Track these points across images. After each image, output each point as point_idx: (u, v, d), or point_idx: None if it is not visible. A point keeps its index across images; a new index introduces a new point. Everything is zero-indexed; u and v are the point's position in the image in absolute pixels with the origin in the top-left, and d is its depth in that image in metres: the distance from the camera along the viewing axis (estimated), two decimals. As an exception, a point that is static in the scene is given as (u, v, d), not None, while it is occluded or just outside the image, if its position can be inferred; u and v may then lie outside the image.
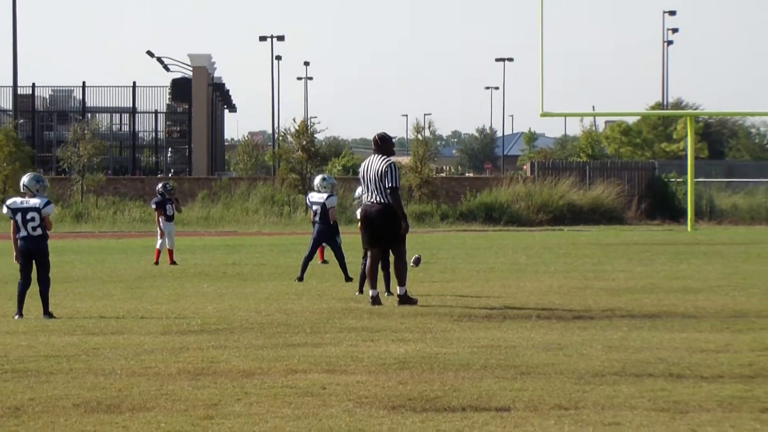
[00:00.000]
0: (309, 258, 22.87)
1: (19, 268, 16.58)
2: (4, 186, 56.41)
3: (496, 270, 22.55)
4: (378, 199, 17.67)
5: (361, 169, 18.18)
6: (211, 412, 9.41)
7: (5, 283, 21.52)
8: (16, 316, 16.29)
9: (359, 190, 19.92)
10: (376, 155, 17.93)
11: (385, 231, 17.74)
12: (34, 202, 16.44)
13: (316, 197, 22.78)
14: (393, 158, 18.09)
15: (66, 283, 21.41)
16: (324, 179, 23.55)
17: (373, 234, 17.84)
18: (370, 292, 17.76)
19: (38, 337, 14.08)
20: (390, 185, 17.59)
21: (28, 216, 16.39)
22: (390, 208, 17.67)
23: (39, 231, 16.42)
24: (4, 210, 16.67)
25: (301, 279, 22.32)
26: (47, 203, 16.54)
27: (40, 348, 13.13)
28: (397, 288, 17.79)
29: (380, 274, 18.51)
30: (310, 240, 23.16)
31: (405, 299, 17.62)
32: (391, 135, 18.63)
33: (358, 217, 19.46)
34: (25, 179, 16.84)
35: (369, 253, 17.97)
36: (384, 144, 18.14)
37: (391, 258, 18.25)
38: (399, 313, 16.52)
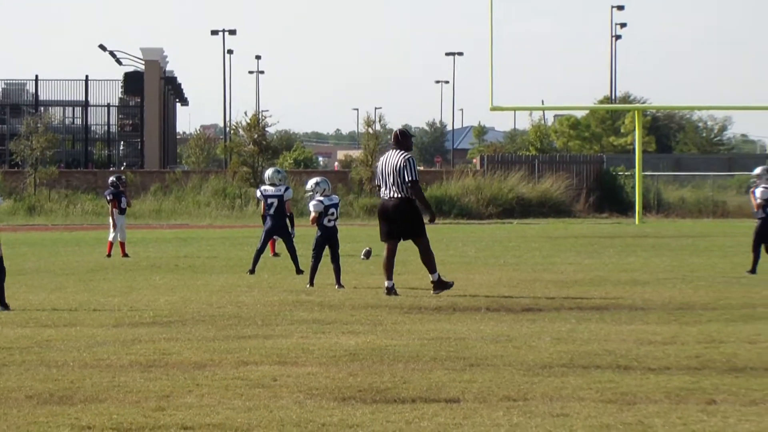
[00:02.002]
0: (261, 251, 22.86)
1: None
2: (-44, 178, 56.12)
3: (446, 263, 22.59)
4: (395, 194, 17.81)
5: (379, 164, 18.27)
6: (162, 403, 9.41)
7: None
8: (-31, 309, 16.22)
9: (310, 183, 19.99)
10: (395, 150, 18.05)
11: (403, 225, 17.93)
12: None
13: (271, 190, 22.77)
14: (410, 153, 18.21)
15: (19, 276, 21.29)
16: (278, 172, 23.59)
17: (390, 227, 17.97)
18: (386, 284, 17.94)
19: (-10, 330, 14.02)
20: (410, 179, 17.75)
21: None
22: (406, 202, 17.86)
23: None
24: None
25: (252, 271, 22.31)
26: None
27: (-8, 340, 13.09)
28: (429, 276, 17.96)
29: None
30: (262, 233, 23.14)
31: (439, 284, 17.86)
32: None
33: (312, 210, 19.53)
34: None
35: (386, 246, 18.08)
36: (404, 139, 18.31)
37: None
38: (349, 305, 16.56)
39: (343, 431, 8.39)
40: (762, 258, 22.03)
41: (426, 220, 18.21)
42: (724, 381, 10.36)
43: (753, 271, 21.82)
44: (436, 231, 44.71)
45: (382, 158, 18.32)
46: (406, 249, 18.40)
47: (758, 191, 22.17)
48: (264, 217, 23.27)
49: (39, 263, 26.08)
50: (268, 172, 23.65)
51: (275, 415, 8.91)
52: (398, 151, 18.02)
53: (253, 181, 55.57)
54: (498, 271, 23.07)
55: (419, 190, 18.16)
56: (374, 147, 61.05)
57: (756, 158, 75.33)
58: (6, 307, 16.22)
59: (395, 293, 17.78)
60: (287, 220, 23.09)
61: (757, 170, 22.79)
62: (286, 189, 22.95)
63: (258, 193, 23.49)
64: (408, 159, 17.88)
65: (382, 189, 18.00)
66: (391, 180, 17.82)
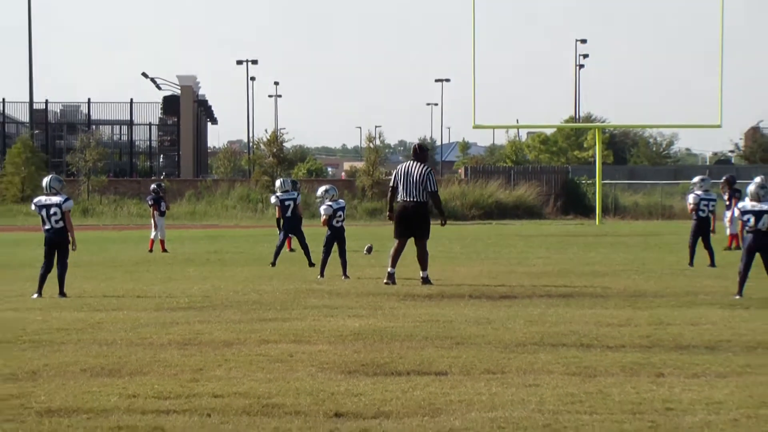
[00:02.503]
0: (280, 247, 22.85)
1: (44, 255, 16.51)
2: (22, 186, 56.05)
3: (436, 257, 22.55)
4: (415, 198, 17.82)
5: (397, 172, 18.18)
6: (196, 376, 9.40)
7: (23, 267, 21.38)
8: (35, 295, 16.20)
9: (321, 190, 20.03)
10: (414, 162, 18.03)
11: (418, 226, 17.94)
12: (56, 199, 16.44)
13: (285, 195, 22.88)
14: (429, 166, 18.24)
15: (74, 268, 21.23)
16: (290, 180, 23.86)
17: (406, 227, 17.99)
18: (389, 270, 17.93)
19: (51, 313, 14.02)
20: (432, 189, 17.84)
21: (51, 211, 16.37)
22: (423, 206, 17.91)
23: (60, 224, 16.38)
24: (33, 207, 16.64)
25: (274, 264, 22.29)
26: (67, 200, 16.55)
27: (53, 322, 13.08)
28: (421, 272, 17.90)
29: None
30: (280, 232, 23.13)
31: (427, 281, 17.78)
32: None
33: (322, 213, 19.52)
34: (46, 180, 16.79)
35: (397, 242, 18.05)
36: (421, 152, 18.34)
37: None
38: (354, 293, 16.52)
39: (348, 399, 8.37)
40: (698, 253, 22.03)
41: (439, 223, 18.30)
42: (670, 357, 10.34)
43: (691, 264, 21.82)
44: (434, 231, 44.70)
45: (401, 166, 18.26)
46: (409, 248, 18.33)
47: (690, 197, 22.33)
48: (278, 220, 23.28)
49: (91, 257, 26.09)
50: (279, 182, 23.73)
51: (291, 386, 8.89)
52: (417, 162, 18.02)
53: (273, 188, 55.57)
54: (479, 264, 23.05)
55: (439, 199, 18.31)
56: (375, 159, 61.12)
57: (697, 169, 75.37)
58: (64, 295, 16.21)
59: (394, 281, 17.74)
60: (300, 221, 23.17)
61: (695, 179, 22.84)
62: (298, 194, 23.16)
63: (273, 199, 23.50)
64: (430, 172, 17.97)
65: (401, 193, 17.95)
66: (414, 187, 17.82)
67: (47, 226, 16.38)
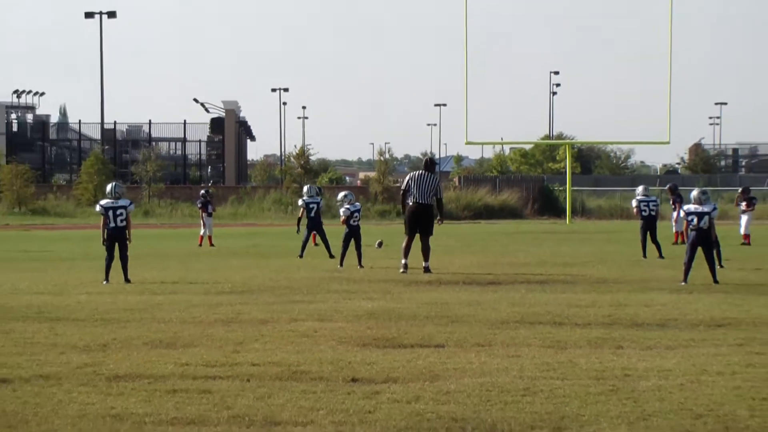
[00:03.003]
0: (305, 242, 22.87)
1: (106, 248, 16.57)
2: (94, 192, 56.13)
3: (435, 251, 22.50)
4: (426, 201, 17.93)
5: (411, 178, 18.22)
6: (237, 348, 9.42)
7: (94, 259, 21.44)
8: (104, 282, 16.23)
9: (340, 195, 20.10)
10: (425, 171, 18.17)
11: (425, 224, 18.00)
12: (123, 202, 16.54)
13: (311, 199, 22.93)
14: (437, 176, 18.40)
15: (137, 259, 21.27)
16: (315, 187, 23.93)
17: (415, 225, 18.02)
18: (403, 261, 17.95)
19: (118, 296, 14.05)
20: (439, 196, 18.06)
21: (117, 212, 16.43)
22: (432, 208, 18.01)
23: (123, 223, 16.44)
24: (98, 208, 16.69)
25: (301, 256, 22.30)
26: (131, 203, 16.67)
27: (119, 304, 13.12)
28: (423, 262, 17.93)
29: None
30: (306, 229, 23.14)
31: (428, 270, 17.78)
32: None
33: (343, 215, 19.58)
34: (111, 186, 16.86)
35: (407, 238, 18.05)
36: (431, 165, 18.58)
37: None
38: (367, 280, 16.54)
39: (363, 367, 8.39)
40: (650, 247, 22.05)
41: (437, 221, 18.36)
42: (628, 333, 10.35)
43: (644, 256, 21.84)
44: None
45: (414, 173, 18.33)
46: (415, 244, 18.33)
47: (633, 201, 22.91)
48: (299, 219, 23.27)
49: (151, 250, 26.12)
50: (306, 188, 23.77)
51: (316, 356, 8.91)
52: (428, 173, 18.11)
53: (300, 193, 55.55)
54: (470, 256, 23.05)
55: (442, 203, 18.48)
56: (384, 170, 61.13)
57: (650, 178, 75.21)
58: (128, 281, 16.25)
59: (407, 269, 17.76)
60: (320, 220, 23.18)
61: (638, 189, 23.12)
62: (321, 199, 23.19)
63: (300, 202, 23.51)
64: (439, 182, 18.21)
65: (415, 195, 17.96)
66: (426, 192, 17.92)
67: (111, 225, 16.40)
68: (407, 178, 18.36)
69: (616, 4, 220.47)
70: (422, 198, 17.92)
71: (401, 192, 18.47)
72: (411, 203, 18.04)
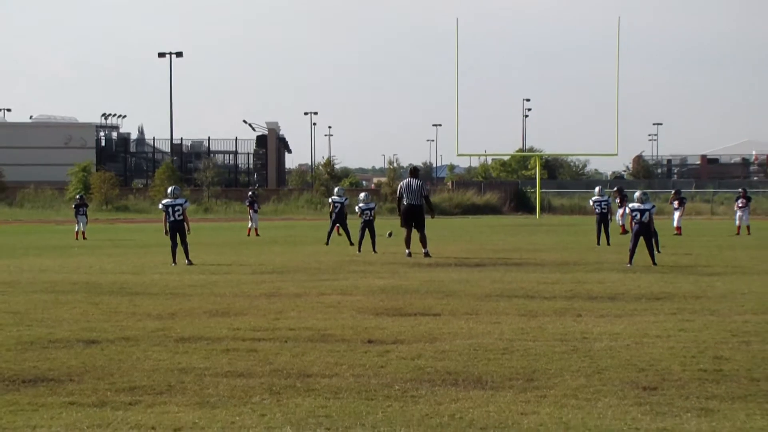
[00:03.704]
0: (330, 232, 22.84)
1: (170, 237, 16.60)
2: (166, 194, 56.34)
3: (432, 239, 22.53)
4: (416, 201, 17.83)
5: (402, 186, 18.14)
6: (278, 316, 9.40)
7: (164, 246, 21.42)
8: (172, 264, 16.23)
9: (361, 195, 20.10)
10: (412, 178, 18.04)
11: (418, 219, 17.91)
12: (180, 201, 16.53)
13: (338, 198, 22.87)
14: (421, 180, 18.16)
15: (198, 246, 21.34)
16: (342, 189, 23.85)
17: (410, 219, 17.94)
18: (406, 251, 17.83)
19: (183, 276, 14.04)
20: (425, 194, 17.93)
21: (175, 208, 16.47)
22: (422, 207, 17.89)
23: (180, 217, 16.48)
24: (160, 206, 16.76)
25: (327, 244, 22.26)
26: (185, 201, 16.67)
27: (184, 281, 13.11)
28: (423, 248, 17.80)
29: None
30: (330, 222, 23.10)
31: (427, 254, 17.69)
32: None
33: (357, 211, 19.56)
34: (171, 188, 16.97)
35: (405, 231, 17.96)
36: (416, 172, 18.42)
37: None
38: (380, 262, 16.51)
39: (377, 331, 8.36)
40: (602, 237, 21.98)
41: (430, 216, 18.25)
42: (586, 304, 10.30)
43: (598, 243, 21.78)
44: (427, 223, 44.62)
45: (404, 182, 18.24)
46: (415, 235, 18.24)
47: (591, 200, 22.73)
48: (331, 214, 23.22)
49: (209, 239, 26.11)
50: (336, 189, 23.69)
51: (339, 323, 8.88)
52: (415, 179, 18.02)
53: (327, 195, 55.56)
54: (461, 244, 23.01)
55: (429, 200, 18.31)
56: (393, 176, 61.16)
57: (602, 182, 74.83)
58: (191, 263, 16.25)
59: (410, 255, 17.72)
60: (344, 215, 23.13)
61: (596, 189, 23.16)
62: (346, 198, 23.08)
63: (330, 200, 23.47)
64: (423, 184, 18.10)
65: (407, 198, 17.89)
66: (414, 194, 17.84)
67: (171, 219, 16.52)
68: (399, 186, 18.33)
69: (576, 47, 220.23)
70: (413, 199, 17.89)
71: (397, 198, 18.43)
72: (405, 204, 18.01)
